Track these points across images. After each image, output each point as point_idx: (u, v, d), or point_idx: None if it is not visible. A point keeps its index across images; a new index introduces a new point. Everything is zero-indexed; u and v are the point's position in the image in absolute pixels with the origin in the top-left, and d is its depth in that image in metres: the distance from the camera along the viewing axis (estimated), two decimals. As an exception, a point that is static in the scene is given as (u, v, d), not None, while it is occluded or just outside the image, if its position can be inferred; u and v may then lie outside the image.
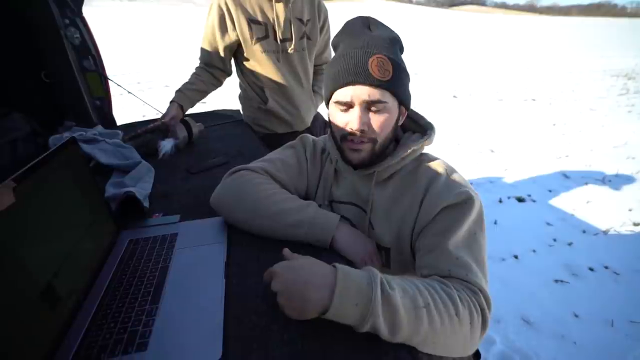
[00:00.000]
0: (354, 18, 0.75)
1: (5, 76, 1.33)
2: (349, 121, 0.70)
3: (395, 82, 0.68)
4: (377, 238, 0.77)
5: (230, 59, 1.47)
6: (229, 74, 1.51)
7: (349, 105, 0.69)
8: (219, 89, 1.53)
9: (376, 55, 0.66)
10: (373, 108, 0.68)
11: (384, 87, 0.67)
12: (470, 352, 0.56)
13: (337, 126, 0.74)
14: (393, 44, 0.70)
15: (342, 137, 0.73)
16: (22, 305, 0.48)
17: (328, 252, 0.72)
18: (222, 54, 1.40)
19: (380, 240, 0.76)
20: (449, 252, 0.61)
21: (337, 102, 0.71)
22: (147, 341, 0.53)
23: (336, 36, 0.76)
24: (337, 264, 0.54)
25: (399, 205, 0.73)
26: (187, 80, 1.45)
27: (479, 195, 0.68)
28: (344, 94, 0.69)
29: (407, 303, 0.51)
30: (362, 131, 0.69)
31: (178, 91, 1.42)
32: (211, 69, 1.45)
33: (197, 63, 1.48)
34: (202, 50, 1.43)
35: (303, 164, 0.87)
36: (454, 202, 0.65)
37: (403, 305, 0.51)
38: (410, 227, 0.71)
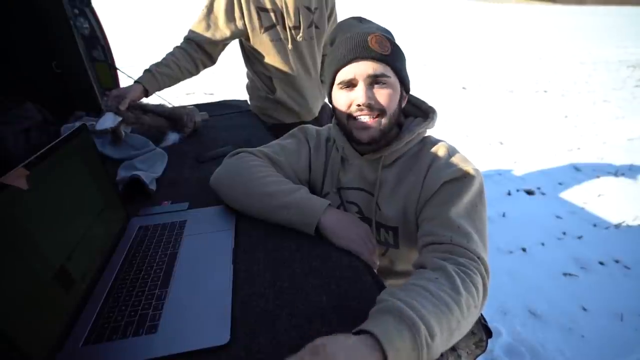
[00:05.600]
0: (347, 18, 0.80)
1: (18, 66, 1.35)
2: (354, 98, 0.72)
3: (395, 57, 0.71)
4: (384, 218, 0.79)
5: (222, 50, 1.42)
6: (213, 63, 1.43)
7: (352, 84, 0.72)
8: (224, 78, 1.50)
9: (374, 34, 0.70)
10: (377, 83, 0.71)
11: (385, 62, 0.70)
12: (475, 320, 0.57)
13: (342, 107, 0.75)
14: (386, 32, 0.75)
15: (348, 117, 0.74)
16: (37, 287, 0.49)
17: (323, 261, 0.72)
18: (217, 39, 1.33)
19: (388, 219, 0.79)
20: (450, 220, 0.63)
21: (341, 83, 0.72)
22: (157, 324, 0.54)
23: (331, 34, 0.79)
24: (375, 333, 0.45)
25: (404, 184, 0.76)
26: (161, 59, 1.30)
27: (480, 171, 0.70)
28: (346, 72, 0.71)
29: (445, 335, 0.49)
30: (369, 106, 0.71)
31: (147, 71, 1.27)
32: (195, 51, 1.34)
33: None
34: (195, 28, 1.33)
35: (304, 152, 0.88)
36: (454, 176, 0.68)
37: (442, 342, 0.48)
38: (415, 203, 0.74)
